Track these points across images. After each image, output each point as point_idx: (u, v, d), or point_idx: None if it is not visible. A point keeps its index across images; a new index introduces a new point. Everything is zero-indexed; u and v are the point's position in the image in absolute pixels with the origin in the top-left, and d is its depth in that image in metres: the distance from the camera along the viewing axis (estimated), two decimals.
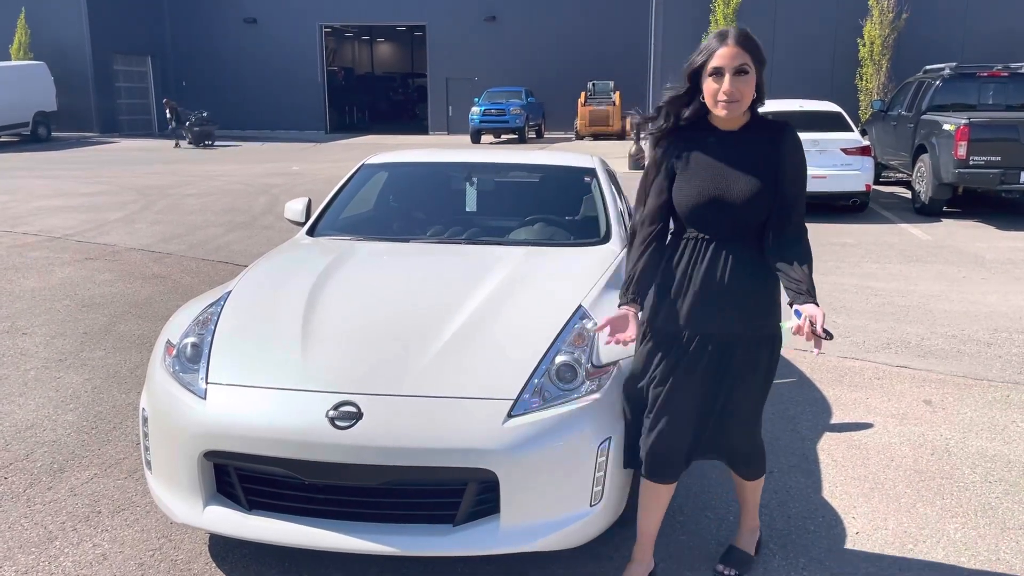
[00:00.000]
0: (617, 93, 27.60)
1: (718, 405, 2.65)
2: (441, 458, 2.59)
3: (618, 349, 2.90)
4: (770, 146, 2.54)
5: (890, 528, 3.28)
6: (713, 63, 2.44)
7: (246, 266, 3.96)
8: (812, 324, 2.37)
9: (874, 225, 10.82)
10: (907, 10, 23.13)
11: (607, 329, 2.52)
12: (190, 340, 3.05)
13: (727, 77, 2.42)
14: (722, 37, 2.45)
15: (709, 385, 2.61)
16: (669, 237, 2.68)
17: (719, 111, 2.48)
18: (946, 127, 10.97)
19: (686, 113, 2.56)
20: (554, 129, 29.90)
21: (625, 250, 3.92)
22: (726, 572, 2.91)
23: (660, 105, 2.63)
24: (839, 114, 12.28)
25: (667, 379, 2.60)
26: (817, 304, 2.44)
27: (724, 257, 2.54)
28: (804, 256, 2.52)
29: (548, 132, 29.62)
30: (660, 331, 2.63)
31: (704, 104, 2.52)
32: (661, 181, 2.63)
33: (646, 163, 2.81)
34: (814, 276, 2.54)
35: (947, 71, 12.55)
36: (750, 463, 2.84)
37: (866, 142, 11.82)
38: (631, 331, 2.52)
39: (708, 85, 2.47)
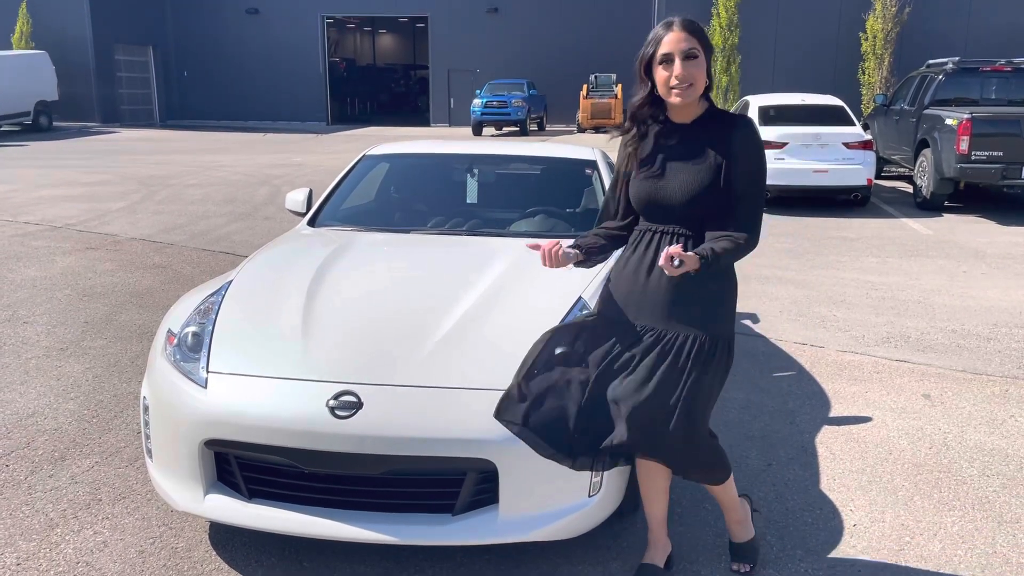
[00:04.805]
0: (619, 86, 27.53)
1: (651, 398, 2.46)
2: (441, 448, 2.60)
3: None
4: (720, 139, 2.50)
5: (887, 521, 3.29)
6: (662, 50, 2.46)
7: (247, 256, 3.97)
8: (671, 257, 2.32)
9: (875, 219, 10.82)
10: (910, 4, 23.08)
11: (542, 251, 2.54)
12: (191, 329, 3.06)
13: (677, 62, 2.43)
14: (668, 25, 2.48)
15: (641, 375, 2.48)
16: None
17: (673, 99, 2.48)
18: (948, 122, 10.95)
19: (648, 112, 2.57)
20: (556, 122, 29.85)
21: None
22: (741, 570, 2.91)
23: (631, 114, 2.62)
24: (841, 108, 12.27)
25: (599, 364, 2.54)
26: (698, 257, 2.36)
27: None
28: (736, 237, 2.45)
29: (550, 125, 29.56)
30: (604, 316, 2.62)
31: (662, 99, 2.52)
32: (623, 180, 2.65)
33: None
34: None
35: (950, 66, 12.52)
36: (691, 466, 2.65)
37: (868, 136, 11.82)
38: (559, 258, 2.55)
39: (659, 74, 2.47)
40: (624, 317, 2.57)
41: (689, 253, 2.37)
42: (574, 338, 2.62)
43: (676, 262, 2.31)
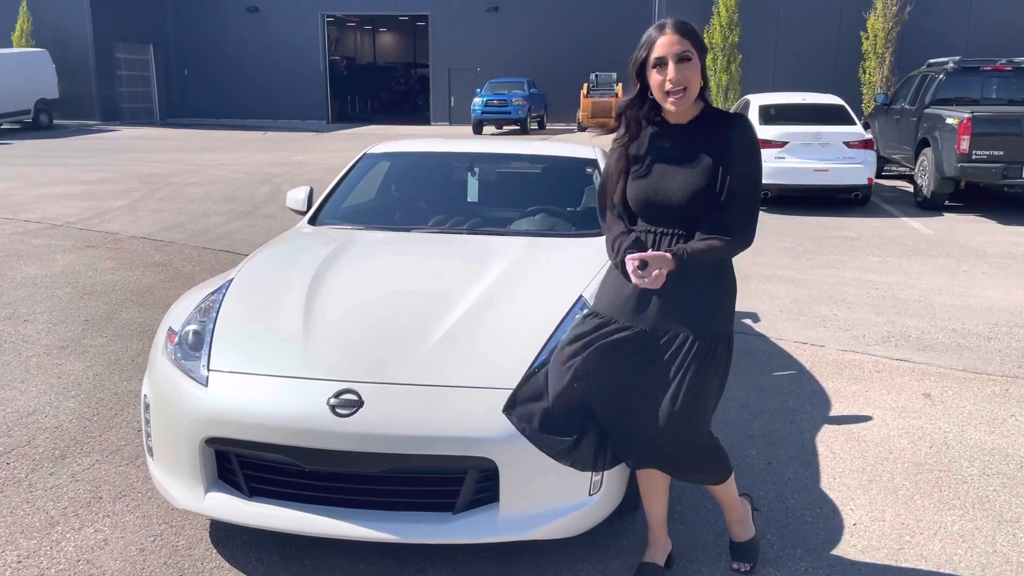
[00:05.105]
0: (619, 85, 27.51)
1: (647, 402, 2.50)
2: (441, 446, 2.60)
3: None
4: (718, 138, 2.48)
5: (887, 520, 3.29)
6: (655, 54, 2.44)
7: (248, 255, 3.97)
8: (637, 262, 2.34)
9: (876, 219, 10.81)
10: (911, 3, 23.08)
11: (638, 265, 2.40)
12: (192, 327, 3.06)
13: (671, 65, 2.41)
14: (660, 27, 2.46)
15: (640, 379, 2.50)
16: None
17: (668, 104, 2.45)
18: (949, 121, 10.95)
19: (642, 114, 2.54)
20: (556, 120, 29.84)
21: None
22: (742, 568, 2.91)
23: (618, 113, 2.59)
24: (842, 107, 12.27)
25: (592, 366, 2.52)
26: (670, 257, 2.39)
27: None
28: (720, 239, 2.44)
29: (550, 123, 29.55)
30: (604, 317, 2.57)
31: (655, 101, 2.50)
32: (622, 183, 2.60)
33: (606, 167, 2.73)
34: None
35: (951, 65, 12.52)
36: (691, 468, 2.67)
37: (869, 135, 11.81)
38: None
39: (654, 78, 2.45)
40: (623, 318, 2.55)
41: (655, 253, 2.40)
42: (575, 339, 2.61)
43: (639, 264, 2.34)
